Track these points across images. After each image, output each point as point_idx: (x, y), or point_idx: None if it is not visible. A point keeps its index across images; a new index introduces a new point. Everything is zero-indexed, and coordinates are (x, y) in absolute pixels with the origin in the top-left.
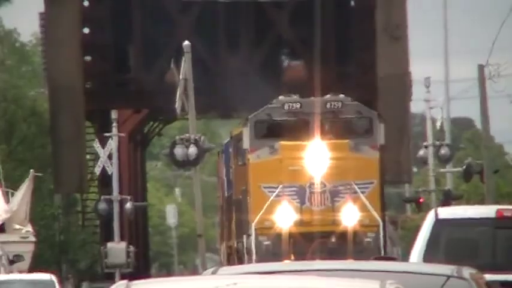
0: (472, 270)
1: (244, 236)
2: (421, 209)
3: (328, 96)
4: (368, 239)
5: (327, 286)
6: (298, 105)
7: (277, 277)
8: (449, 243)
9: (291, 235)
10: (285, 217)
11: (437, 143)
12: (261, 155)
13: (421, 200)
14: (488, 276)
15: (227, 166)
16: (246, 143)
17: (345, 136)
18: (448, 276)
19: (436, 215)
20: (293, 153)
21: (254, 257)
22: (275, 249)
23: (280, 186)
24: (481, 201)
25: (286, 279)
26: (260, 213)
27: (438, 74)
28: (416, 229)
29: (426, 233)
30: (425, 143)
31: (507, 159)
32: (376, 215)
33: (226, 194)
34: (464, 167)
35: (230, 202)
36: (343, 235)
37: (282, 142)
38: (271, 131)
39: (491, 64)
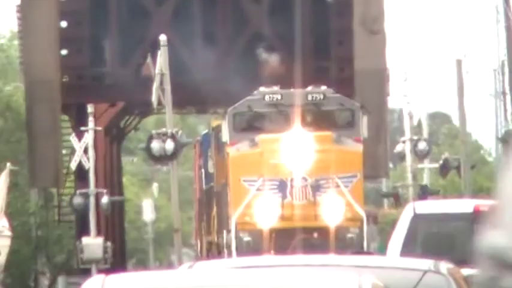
0: (449, 265)
1: (224, 231)
2: (398, 203)
3: (309, 88)
4: (351, 235)
5: (304, 281)
6: (279, 97)
7: (253, 272)
8: (427, 238)
9: (272, 230)
10: (265, 212)
11: (415, 138)
12: (241, 148)
13: (398, 195)
14: (466, 271)
15: (205, 157)
16: (225, 136)
17: (327, 128)
18: (425, 271)
19: (414, 209)
20: (274, 146)
21: (234, 252)
22: (256, 245)
23: (261, 179)
24: (459, 196)
25: (261, 272)
26: (240, 208)
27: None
28: (393, 224)
29: (404, 227)
30: (402, 138)
31: (483, 154)
32: (360, 210)
33: (204, 186)
34: (441, 162)
35: (210, 195)
36: (325, 230)
37: (262, 135)
38: (251, 124)
39: (469, 58)
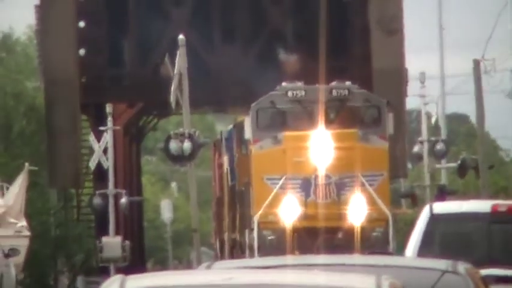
0: (467, 265)
1: (247, 231)
2: (416, 204)
3: (333, 83)
4: (376, 234)
5: (322, 281)
6: (302, 93)
7: (271, 272)
8: (444, 238)
9: (295, 230)
10: (289, 211)
11: (433, 138)
12: (264, 146)
13: (415, 195)
14: (483, 271)
15: (231, 154)
16: (248, 133)
17: (352, 125)
18: (443, 271)
19: (431, 210)
20: (297, 144)
21: (256, 252)
22: (279, 244)
23: (284, 177)
24: (476, 197)
25: (279, 274)
26: (263, 207)
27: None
28: (410, 224)
29: (421, 228)
30: (420, 139)
31: (501, 155)
32: (385, 209)
33: (230, 183)
34: (459, 162)
35: (233, 193)
36: (349, 230)
37: (286, 132)
38: (274, 120)
39: (487, 59)
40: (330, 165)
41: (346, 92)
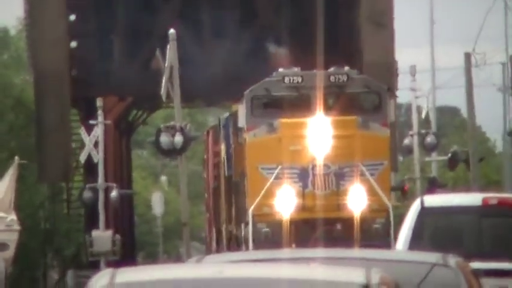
0: (457, 258)
1: (242, 224)
2: (406, 197)
3: (332, 69)
4: (377, 225)
5: (311, 274)
6: (299, 79)
7: (260, 265)
8: (435, 231)
9: (292, 222)
10: (285, 202)
11: (423, 131)
12: (259, 134)
13: (405, 188)
14: (474, 264)
15: (228, 142)
16: (241, 121)
17: (351, 112)
18: (434, 264)
19: (422, 203)
20: (294, 132)
21: (251, 245)
22: (274, 237)
23: (280, 167)
24: (467, 189)
25: (268, 267)
26: (258, 198)
27: (424, 63)
28: (401, 217)
29: (412, 221)
30: (410, 132)
31: (491, 147)
32: (386, 199)
33: (226, 174)
34: (450, 155)
35: (230, 183)
36: (349, 221)
37: (282, 119)
38: (270, 107)
39: (478, 52)
40: (328, 154)
41: (345, 77)
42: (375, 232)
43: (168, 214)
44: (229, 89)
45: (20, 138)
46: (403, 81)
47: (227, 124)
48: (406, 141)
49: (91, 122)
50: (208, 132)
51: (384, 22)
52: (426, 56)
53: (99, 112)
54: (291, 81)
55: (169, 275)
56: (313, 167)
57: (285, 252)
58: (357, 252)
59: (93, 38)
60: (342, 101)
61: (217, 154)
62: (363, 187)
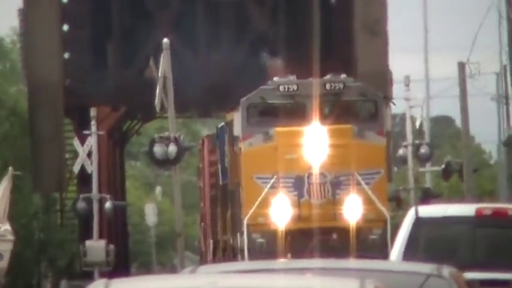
0: (451, 269)
1: (238, 234)
2: (401, 207)
3: (328, 76)
4: (373, 236)
5: (305, 285)
6: (294, 87)
7: (253, 276)
8: (429, 242)
9: (287, 232)
10: (280, 212)
11: (417, 142)
12: (254, 143)
13: (399, 198)
14: (468, 275)
15: (222, 151)
16: (237, 130)
17: (347, 121)
18: (428, 275)
19: (416, 213)
20: (290, 140)
21: (246, 255)
22: (269, 247)
23: (275, 176)
24: (461, 200)
25: (261, 278)
26: (253, 208)
27: (418, 72)
28: (395, 227)
29: (406, 231)
30: (404, 143)
31: (485, 158)
32: (383, 209)
33: (221, 182)
34: (444, 165)
35: (225, 193)
36: (345, 231)
37: (278, 128)
38: (265, 116)
39: (472, 62)
40: (324, 162)
41: (341, 85)
42: (372, 243)
43: (162, 224)
44: (224, 100)
45: (14, 148)
46: (397, 91)
47: (222, 133)
48: (400, 151)
49: (84, 132)
50: (203, 141)
51: (378, 31)
52: (420, 65)
53: (93, 122)
54: (286, 89)
55: (163, 285)
56: (309, 175)
57: (279, 262)
58: (351, 262)
59: (86, 47)
60: (338, 109)
61: (213, 163)
62: (359, 196)
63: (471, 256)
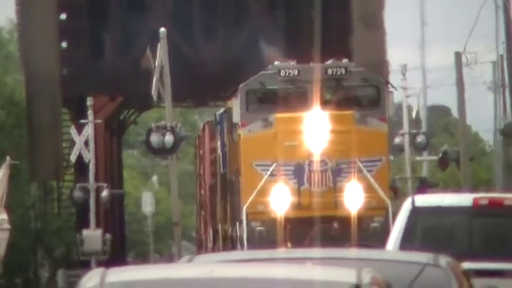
0: (448, 259)
1: (237, 222)
2: (397, 196)
3: (329, 61)
4: (375, 224)
5: (302, 274)
6: (295, 72)
7: (250, 265)
8: (426, 231)
9: (287, 220)
10: (280, 200)
11: (414, 131)
12: (253, 129)
13: (396, 188)
14: (465, 265)
15: (222, 139)
16: (236, 116)
17: (349, 107)
18: (425, 265)
19: (413, 202)
20: (290, 127)
21: (246, 244)
22: (269, 236)
23: (275, 163)
24: (458, 189)
25: (259, 267)
26: (252, 196)
27: (415, 62)
28: (392, 216)
29: (403, 221)
30: (401, 131)
31: (482, 146)
32: (385, 197)
33: (221, 171)
34: (441, 154)
35: (225, 181)
36: (346, 220)
37: (277, 114)
38: (265, 102)
39: (469, 52)
40: (325, 149)
41: (343, 70)
42: (373, 231)
43: (159, 214)
44: (221, 89)
45: (11, 137)
46: (393, 80)
47: (222, 120)
48: (397, 140)
49: (82, 121)
50: (204, 128)
51: (375, 22)
52: (417, 55)
53: (89, 111)
54: (287, 74)
55: (160, 275)
56: (310, 163)
57: (275, 252)
58: (348, 252)
59: (84, 37)
60: (339, 95)
61: (213, 150)
62: (361, 184)
63: (468, 246)
